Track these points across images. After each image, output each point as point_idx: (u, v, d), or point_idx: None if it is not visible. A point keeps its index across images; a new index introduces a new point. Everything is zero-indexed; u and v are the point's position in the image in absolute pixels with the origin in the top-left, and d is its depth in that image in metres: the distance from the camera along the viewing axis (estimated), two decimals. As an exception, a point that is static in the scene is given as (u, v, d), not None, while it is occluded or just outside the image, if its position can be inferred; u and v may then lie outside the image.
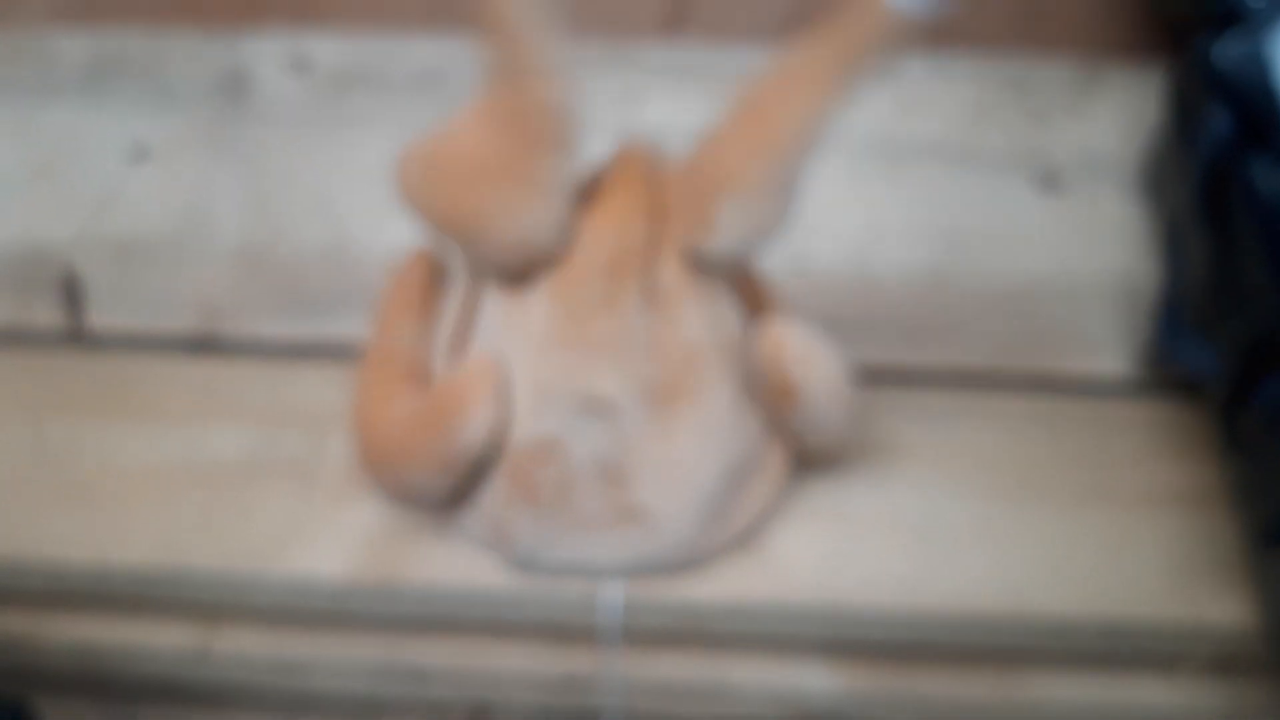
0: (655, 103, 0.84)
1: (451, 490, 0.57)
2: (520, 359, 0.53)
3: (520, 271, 0.52)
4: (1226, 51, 0.70)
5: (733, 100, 0.53)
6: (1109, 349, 0.71)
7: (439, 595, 0.61)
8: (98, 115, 0.82)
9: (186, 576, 0.61)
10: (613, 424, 0.54)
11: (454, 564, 0.60)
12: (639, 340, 0.52)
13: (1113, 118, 0.82)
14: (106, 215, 0.77)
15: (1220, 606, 0.59)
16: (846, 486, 0.63)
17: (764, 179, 0.50)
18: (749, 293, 0.59)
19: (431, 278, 0.57)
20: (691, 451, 0.55)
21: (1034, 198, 0.78)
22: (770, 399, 0.56)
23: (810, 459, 0.62)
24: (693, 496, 0.56)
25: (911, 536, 0.61)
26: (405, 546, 0.61)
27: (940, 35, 0.86)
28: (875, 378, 0.70)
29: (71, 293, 0.74)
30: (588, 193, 0.54)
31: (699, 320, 0.53)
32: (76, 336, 0.72)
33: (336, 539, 0.61)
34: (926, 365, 0.70)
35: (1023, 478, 0.64)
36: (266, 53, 0.85)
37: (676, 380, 0.54)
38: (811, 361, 0.55)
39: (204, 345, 0.72)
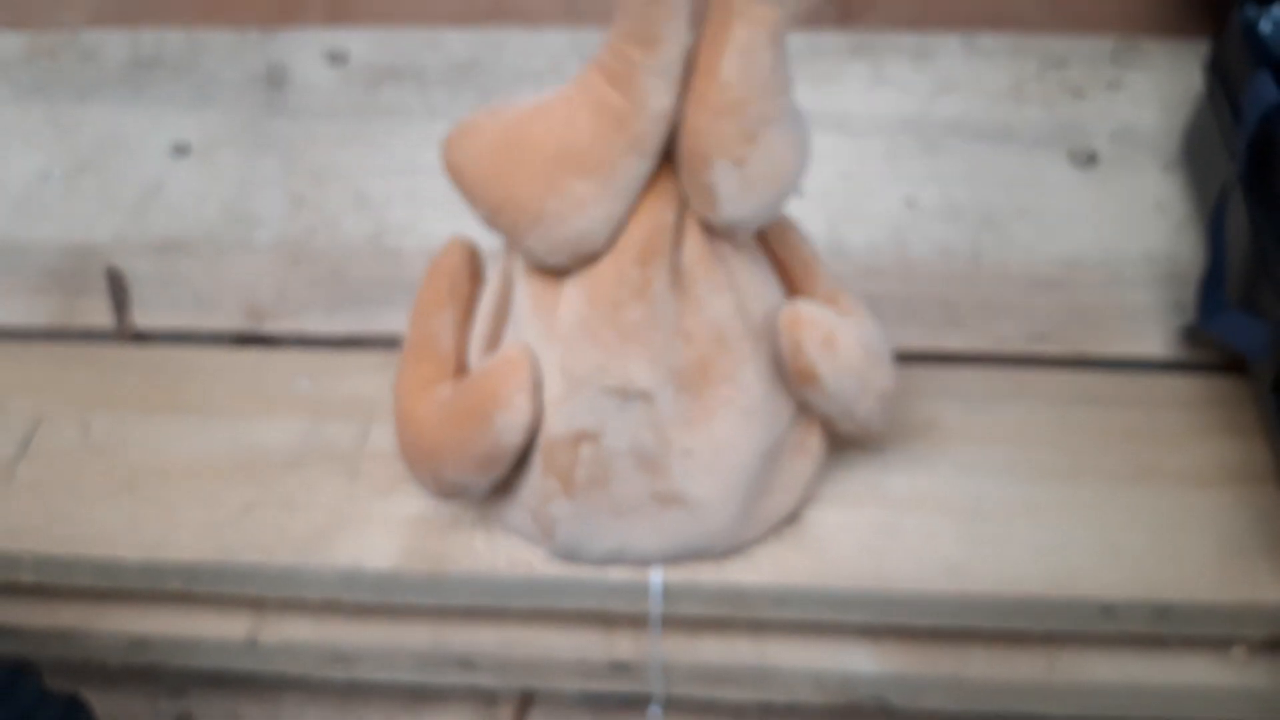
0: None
1: (491, 485, 0.55)
2: (550, 349, 0.52)
3: (563, 265, 0.50)
4: (1271, 20, 0.67)
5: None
6: (1151, 327, 0.68)
7: (483, 585, 0.60)
8: (138, 113, 0.81)
9: (233, 570, 0.60)
10: (647, 412, 0.52)
11: (497, 554, 0.59)
12: (669, 326, 0.51)
13: (1151, 92, 0.79)
14: (149, 212, 0.76)
15: (1276, 584, 0.57)
16: (888, 468, 0.62)
17: (738, 133, 0.46)
18: (789, 272, 0.57)
19: (467, 266, 0.56)
20: (728, 435, 0.54)
21: (1073, 175, 0.75)
22: (794, 383, 0.55)
23: (849, 440, 0.60)
24: (732, 480, 0.55)
25: (956, 518, 0.59)
26: (449, 536, 0.60)
27: (974, 17, 0.84)
28: (916, 358, 0.68)
29: (116, 289, 0.73)
30: None
31: (722, 299, 0.52)
32: (122, 332, 0.72)
33: (381, 529, 0.60)
34: (967, 345, 0.68)
35: (1070, 457, 0.62)
36: (302, 47, 0.84)
37: (708, 363, 0.52)
38: (835, 347, 0.53)
39: (248, 339, 0.71)
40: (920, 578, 0.57)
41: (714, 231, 0.51)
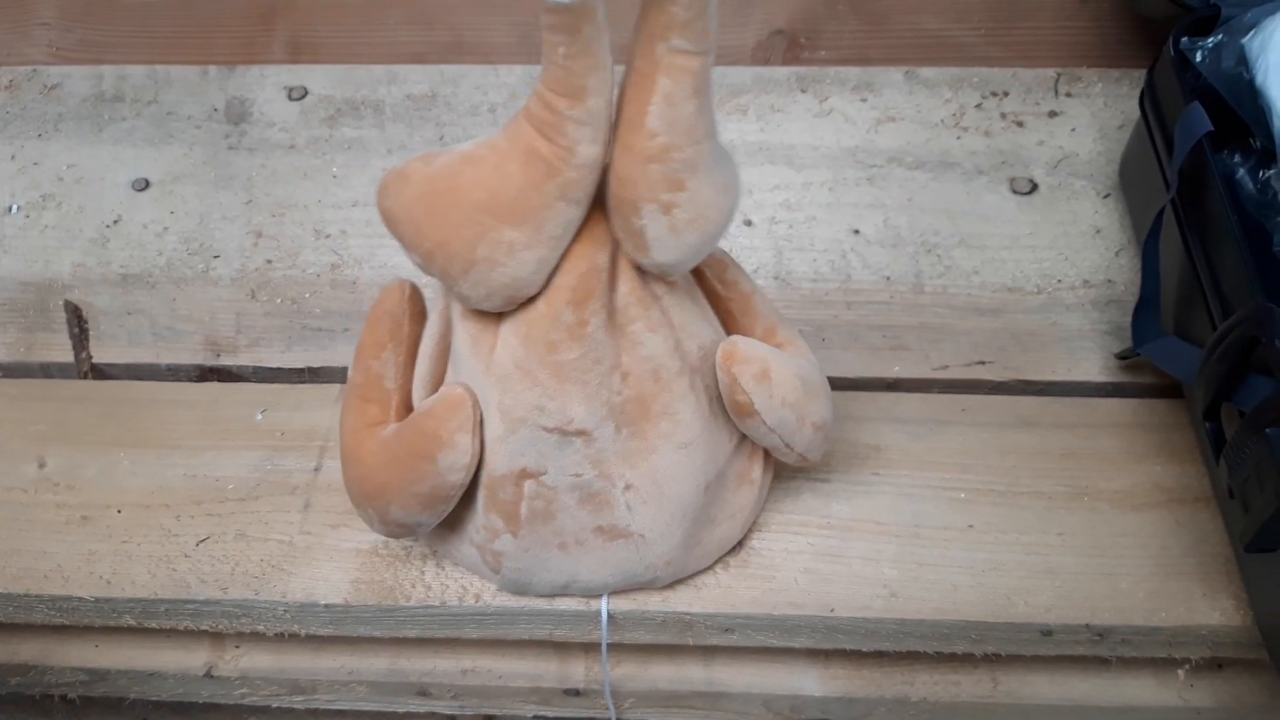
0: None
1: (436, 522, 0.54)
2: (489, 389, 0.51)
3: (498, 309, 0.49)
4: (1204, 51, 0.67)
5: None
6: (1088, 351, 0.67)
7: (434, 617, 0.58)
8: (99, 148, 0.79)
9: (188, 606, 0.59)
10: (587, 448, 0.51)
11: (448, 587, 0.58)
12: (606, 365, 0.50)
13: (1090, 121, 0.78)
14: (109, 246, 0.74)
15: (1211, 607, 0.56)
16: (832, 494, 0.61)
17: (665, 181, 0.45)
18: (728, 307, 0.56)
19: (409, 306, 0.54)
20: (669, 469, 0.52)
21: (1013, 202, 0.75)
22: (733, 416, 0.54)
23: (793, 467, 0.59)
24: (675, 513, 0.53)
25: (898, 542, 0.58)
26: (400, 569, 0.58)
27: (917, 51, 0.83)
28: (860, 385, 0.67)
29: (75, 323, 0.71)
30: None
31: (657, 337, 0.50)
32: (81, 367, 0.70)
33: (334, 562, 0.59)
34: (910, 371, 0.67)
35: (1008, 479, 0.61)
36: (262, 83, 0.83)
37: (646, 399, 0.51)
38: (770, 381, 0.52)
39: (207, 372, 0.70)
40: (862, 604, 0.56)
41: (647, 272, 0.49)
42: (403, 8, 0.84)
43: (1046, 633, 0.56)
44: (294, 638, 0.61)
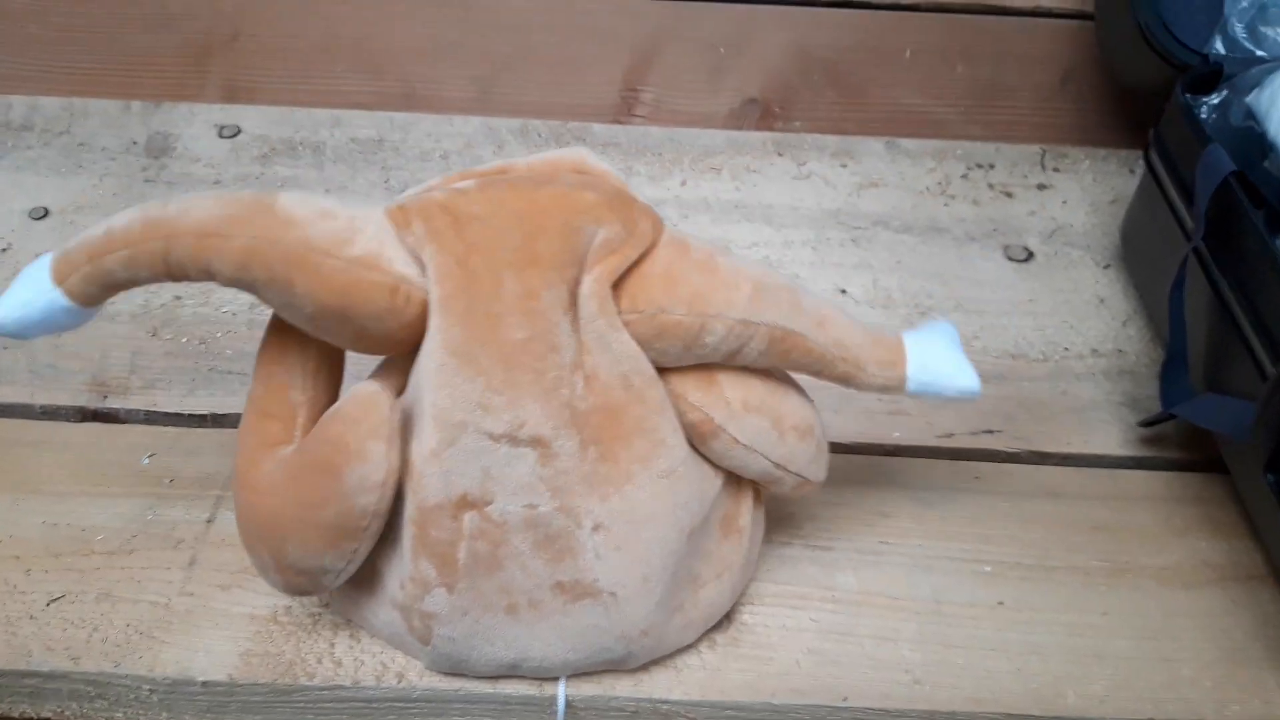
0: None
1: (346, 569, 0.41)
2: (421, 394, 0.39)
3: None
4: (1209, 107, 0.61)
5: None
6: (1105, 422, 0.58)
7: (342, 703, 0.44)
8: (-3, 175, 0.68)
9: (26, 681, 0.44)
10: (545, 468, 0.39)
11: (362, 663, 0.44)
12: (564, 357, 0.39)
13: (1081, 196, 0.72)
14: (-8, 276, 0.62)
15: (1287, 699, 0.45)
16: (835, 563, 0.49)
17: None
18: None
19: None
20: (647, 504, 0.41)
21: (1009, 269, 0.67)
22: (700, 445, 0.43)
23: (794, 498, 0.47)
24: (655, 563, 0.41)
25: (918, 620, 0.47)
26: (303, 641, 0.45)
27: (896, 123, 0.77)
28: (857, 450, 0.57)
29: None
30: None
31: (627, 336, 0.40)
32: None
33: (220, 630, 0.45)
34: (911, 438, 0.57)
35: (1038, 553, 0.50)
36: (190, 120, 0.73)
37: (616, 410, 0.40)
38: (719, 388, 0.42)
39: (89, 416, 0.57)
40: (881, 692, 0.44)
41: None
42: (351, 55, 0.76)
43: (1103, 730, 0.44)
44: (166, 728, 0.47)
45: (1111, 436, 0.58)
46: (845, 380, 0.44)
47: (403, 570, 0.41)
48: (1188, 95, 0.61)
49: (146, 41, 0.76)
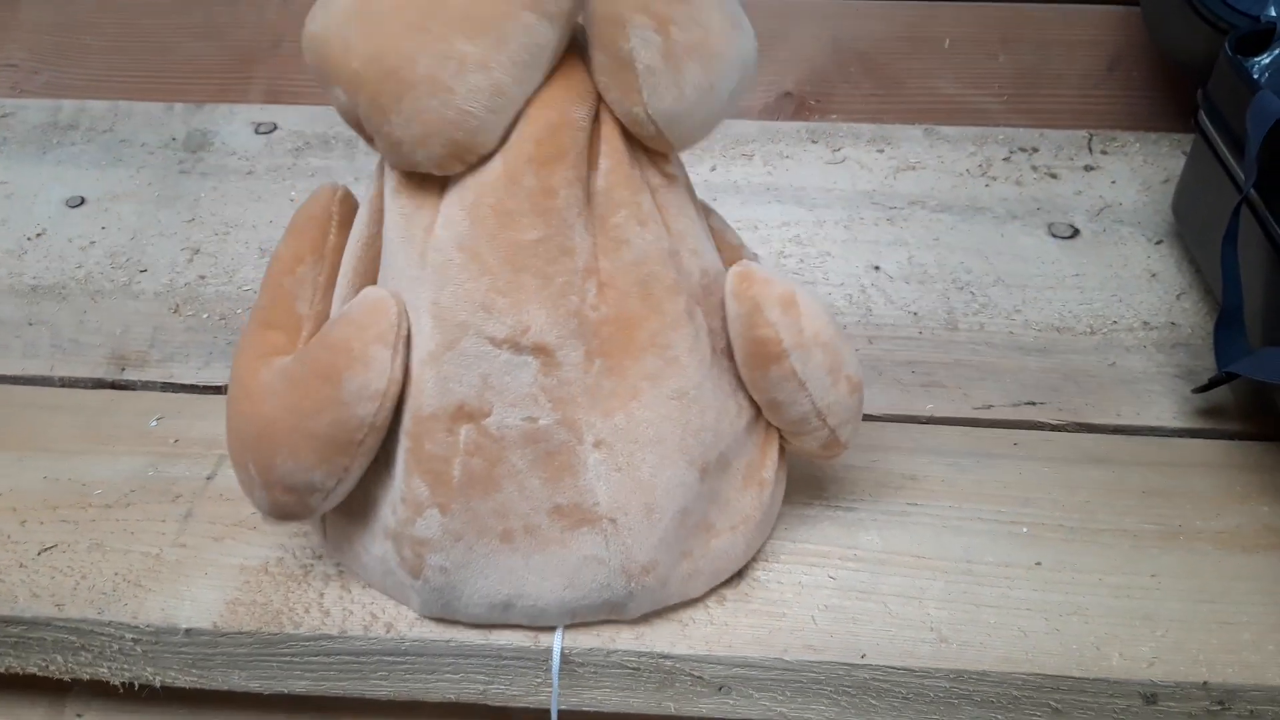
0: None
1: (337, 490, 0.39)
2: (422, 289, 0.37)
3: (438, 163, 0.36)
4: (1259, 67, 0.57)
5: None
6: (1158, 395, 0.54)
7: (328, 653, 0.42)
8: (40, 169, 0.69)
9: (10, 629, 0.42)
10: (547, 378, 0.37)
11: (350, 612, 0.42)
12: (577, 261, 0.36)
13: (1129, 176, 0.68)
14: (26, 258, 0.62)
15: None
16: (859, 523, 0.45)
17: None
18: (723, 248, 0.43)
19: (338, 212, 0.41)
20: (655, 424, 0.38)
21: (1054, 245, 0.63)
22: (751, 364, 0.39)
23: (811, 458, 0.44)
24: (661, 492, 0.38)
25: (946, 579, 0.43)
26: (291, 590, 0.43)
27: (935, 113, 0.74)
28: (889, 420, 0.53)
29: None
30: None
31: (648, 238, 0.37)
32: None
33: (208, 579, 0.43)
34: (947, 410, 0.53)
35: (1081, 515, 0.46)
36: (230, 119, 0.73)
37: (630, 321, 0.37)
38: (798, 313, 0.39)
39: (106, 387, 0.56)
40: (903, 649, 0.40)
41: (639, 148, 0.37)
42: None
43: (1151, 694, 0.39)
44: (151, 694, 0.45)
45: (1165, 409, 0.53)
46: None
47: (395, 492, 0.39)
48: (1238, 55, 0.58)
49: (193, 49, 0.77)
